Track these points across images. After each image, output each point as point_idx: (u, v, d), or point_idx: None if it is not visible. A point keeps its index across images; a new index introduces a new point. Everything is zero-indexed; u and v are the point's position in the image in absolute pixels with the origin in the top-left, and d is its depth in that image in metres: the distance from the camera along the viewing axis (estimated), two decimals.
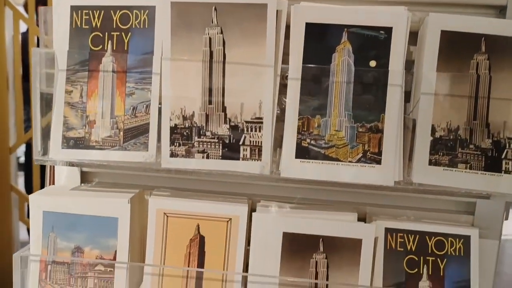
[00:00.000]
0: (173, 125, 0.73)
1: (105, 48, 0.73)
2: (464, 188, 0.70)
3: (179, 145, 0.74)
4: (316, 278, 0.77)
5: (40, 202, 0.80)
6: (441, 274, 0.78)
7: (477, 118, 0.71)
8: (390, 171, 0.71)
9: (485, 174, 0.70)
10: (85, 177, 0.90)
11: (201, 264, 0.80)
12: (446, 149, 0.71)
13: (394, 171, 0.71)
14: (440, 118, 0.71)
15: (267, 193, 0.88)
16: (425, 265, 0.78)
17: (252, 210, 0.81)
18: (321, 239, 0.78)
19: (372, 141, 0.72)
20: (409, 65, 0.74)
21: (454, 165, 0.71)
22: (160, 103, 0.73)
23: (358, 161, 0.72)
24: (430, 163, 0.71)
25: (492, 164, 0.70)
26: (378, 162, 0.72)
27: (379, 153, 0.72)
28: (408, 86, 0.74)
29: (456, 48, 0.71)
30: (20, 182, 2.42)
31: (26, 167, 2.55)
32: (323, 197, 0.88)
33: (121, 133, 0.74)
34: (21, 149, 2.41)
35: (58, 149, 0.75)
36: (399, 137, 0.72)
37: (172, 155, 0.74)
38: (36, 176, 2.16)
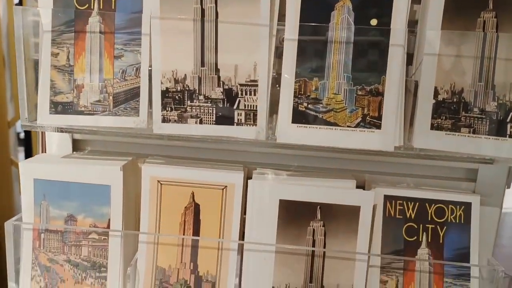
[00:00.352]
0: (165, 89, 0.70)
1: (92, 7, 0.69)
2: (467, 153, 0.68)
3: (171, 109, 0.71)
4: (313, 246, 0.76)
5: (30, 170, 0.78)
6: (441, 242, 0.76)
7: (482, 80, 0.68)
8: (390, 136, 0.69)
9: (489, 138, 0.68)
10: (77, 146, 0.88)
11: (196, 232, 0.79)
12: (449, 112, 0.68)
13: (394, 136, 0.69)
14: (443, 80, 0.68)
15: (263, 161, 0.86)
16: (424, 233, 0.77)
17: (248, 177, 0.78)
18: (318, 207, 0.76)
19: (372, 104, 0.69)
20: (413, 26, 0.70)
21: (457, 129, 0.68)
22: (150, 66, 0.70)
23: (357, 125, 0.69)
24: (432, 127, 0.68)
25: (497, 128, 0.68)
26: (378, 126, 0.69)
27: (379, 117, 0.69)
28: (410, 48, 0.71)
29: (462, 5, 0.67)
30: (20, 158, 2.41)
31: (26, 142, 2.54)
32: (321, 165, 0.86)
33: (111, 97, 0.72)
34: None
35: (46, 115, 0.72)
36: (400, 100, 0.69)
37: (164, 120, 0.71)
38: (35, 151, 2.15)
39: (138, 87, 0.71)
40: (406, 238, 0.77)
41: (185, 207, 0.79)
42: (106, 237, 0.78)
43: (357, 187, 0.79)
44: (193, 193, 0.79)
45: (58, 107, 0.73)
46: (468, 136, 0.68)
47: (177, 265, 0.80)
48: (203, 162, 0.83)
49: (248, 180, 0.77)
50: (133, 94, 0.71)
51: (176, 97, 0.71)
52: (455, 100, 0.68)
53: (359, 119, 0.69)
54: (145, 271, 0.80)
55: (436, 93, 0.68)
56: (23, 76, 0.71)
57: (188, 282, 0.79)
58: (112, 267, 0.78)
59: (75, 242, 0.79)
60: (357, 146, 0.69)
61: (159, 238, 0.80)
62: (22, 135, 2.79)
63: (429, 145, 0.69)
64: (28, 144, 2.45)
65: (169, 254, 0.80)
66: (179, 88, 0.70)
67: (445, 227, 0.77)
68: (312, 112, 0.70)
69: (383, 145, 0.69)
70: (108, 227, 0.78)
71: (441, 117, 0.68)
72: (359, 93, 0.69)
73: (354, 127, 0.69)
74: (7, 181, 2.14)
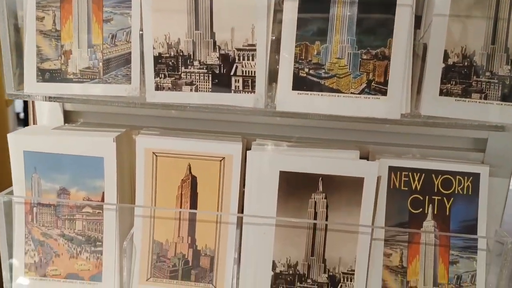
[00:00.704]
0: (157, 54, 0.66)
1: None
2: (477, 120, 0.64)
3: (165, 76, 0.67)
4: (315, 219, 0.73)
5: (19, 141, 0.74)
6: (447, 214, 0.74)
7: (496, 43, 0.63)
8: (397, 103, 0.65)
9: (501, 104, 0.64)
10: (68, 118, 0.85)
11: (193, 205, 0.76)
12: (459, 77, 0.64)
13: (400, 103, 0.65)
14: (454, 43, 0.64)
15: (263, 132, 0.82)
16: (430, 205, 0.74)
17: (247, 149, 0.75)
18: (320, 178, 0.73)
19: (377, 69, 0.65)
20: None
21: (467, 95, 0.64)
22: (141, 30, 0.66)
23: (362, 92, 0.65)
24: (441, 93, 0.65)
25: (510, 94, 0.64)
26: (384, 93, 0.65)
27: (385, 83, 0.65)
28: (419, 10, 0.66)
29: None
30: None
31: (25, 123, 2.51)
32: (323, 136, 0.82)
33: (101, 64, 0.68)
34: (20, 104, 2.38)
35: (32, 83, 0.69)
36: (408, 65, 0.64)
37: (158, 88, 0.68)
38: None
39: (129, 53, 0.67)
40: (411, 210, 0.74)
41: (182, 179, 0.76)
42: (101, 211, 0.76)
43: (361, 158, 0.75)
44: (189, 165, 0.76)
45: (46, 75, 0.69)
46: (479, 102, 0.64)
47: (174, 239, 0.77)
48: (199, 133, 0.80)
49: (247, 151, 0.74)
50: (124, 60, 0.67)
51: (170, 63, 0.67)
52: (466, 64, 0.64)
53: (364, 85, 0.65)
54: (142, 246, 0.78)
55: (446, 56, 0.64)
56: (7, 42, 0.67)
57: (186, 256, 0.77)
58: (108, 241, 0.76)
59: (68, 216, 0.77)
60: (361, 114, 0.66)
61: (156, 211, 0.77)
62: (21, 115, 2.75)
63: (438, 112, 0.65)
64: (27, 125, 2.42)
65: (166, 228, 0.77)
66: (172, 54, 0.66)
67: (452, 199, 0.74)
68: (313, 78, 0.66)
69: (389, 112, 0.65)
70: (102, 200, 0.75)
71: (451, 82, 0.64)
72: (364, 57, 0.65)
73: (358, 93, 0.65)
74: (6, 162, 2.13)
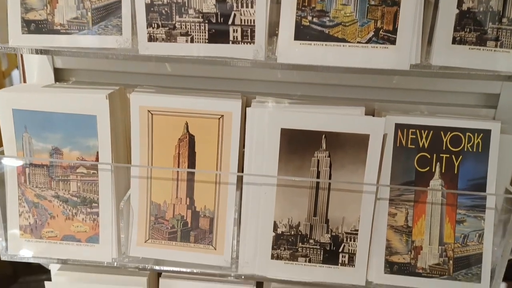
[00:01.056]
0: (149, 1, 0.62)
1: None
2: (492, 69, 0.60)
3: (158, 26, 0.63)
4: (318, 178, 0.71)
5: (8, 99, 0.71)
6: (455, 172, 0.71)
7: None
8: (406, 53, 0.61)
9: None
10: (59, 76, 0.81)
11: (192, 165, 0.74)
12: (474, 24, 0.60)
13: (410, 52, 0.61)
14: None
15: (263, 90, 0.78)
16: (438, 163, 0.71)
17: (246, 107, 0.72)
18: (323, 136, 0.70)
19: (386, 16, 0.60)
20: None
21: (482, 43, 0.60)
22: None
23: (369, 41, 0.61)
24: (454, 41, 0.60)
25: None
26: (393, 42, 0.61)
27: (394, 31, 0.61)
28: None
29: None
30: None
31: None
32: (326, 94, 0.78)
33: (89, 13, 0.63)
34: (17, 77, 2.36)
35: (17, 35, 0.65)
36: (419, 11, 0.60)
37: (151, 39, 0.63)
38: None
39: (120, 1, 0.62)
40: (418, 169, 0.71)
41: (179, 138, 0.73)
42: (96, 171, 0.73)
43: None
44: (187, 123, 0.72)
45: (31, 26, 0.64)
46: (494, 50, 0.60)
47: (172, 200, 0.75)
48: (197, 90, 0.76)
49: (247, 108, 0.70)
50: (114, 8, 0.63)
51: (163, 11, 0.62)
52: (481, 9, 0.59)
53: (371, 34, 0.61)
54: (139, 207, 0.76)
55: (460, 1, 0.59)
56: None
57: (185, 218, 0.75)
58: (104, 203, 0.74)
59: (62, 177, 0.74)
60: (369, 64, 0.62)
61: (153, 172, 0.74)
62: None
63: (450, 62, 0.61)
64: None
65: (163, 189, 0.75)
66: (165, 1, 0.62)
67: (460, 157, 0.71)
68: (317, 27, 0.62)
69: (398, 63, 0.61)
70: (97, 160, 0.72)
71: (465, 30, 0.60)
72: (372, 3, 0.60)
73: (365, 43, 0.61)
74: None
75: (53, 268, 0.86)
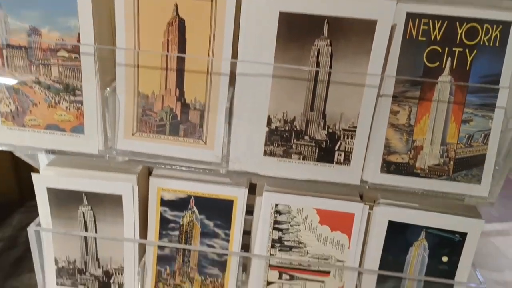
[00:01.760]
0: None
1: None
2: None
3: None
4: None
5: None
6: (467, 68, 0.65)
7: None
8: None
9: None
10: None
11: (182, 52, 0.68)
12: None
13: None
14: None
15: None
16: (449, 58, 0.65)
17: None
18: (326, 21, 0.63)
19: None
20: None
21: None
22: None
23: None
24: None
25: None
26: None
27: None
28: None
29: None
30: None
31: None
32: None
33: None
34: None
35: None
36: None
37: None
38: None
39: None
40: (427, 64, 0.65)
41: (168, 23, 0.67)
42: (78, 55, 0.68)
43: None
44: (176, 5, 0.66)
45: None
46: None
47: (161, 91, 0.70)
48: None
49: None
50: None
51: None
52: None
53: None
54: (126, 98, 0.71)
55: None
56: None
57: (174, 110, 0.71)
58: (88, 90, 0.69)
59: (42, 61, 0.69)
60: None
61: (140, 60, 0.69)
62: None
63: None
64: None
65: (151, 79, 0.70)
66: None
67: (475, 51, 0.64)
68: None
69: None
70: (78, 42, 0.67)
71: None
72: None
73: None
74: None
75: (42, 163, 0.84)
